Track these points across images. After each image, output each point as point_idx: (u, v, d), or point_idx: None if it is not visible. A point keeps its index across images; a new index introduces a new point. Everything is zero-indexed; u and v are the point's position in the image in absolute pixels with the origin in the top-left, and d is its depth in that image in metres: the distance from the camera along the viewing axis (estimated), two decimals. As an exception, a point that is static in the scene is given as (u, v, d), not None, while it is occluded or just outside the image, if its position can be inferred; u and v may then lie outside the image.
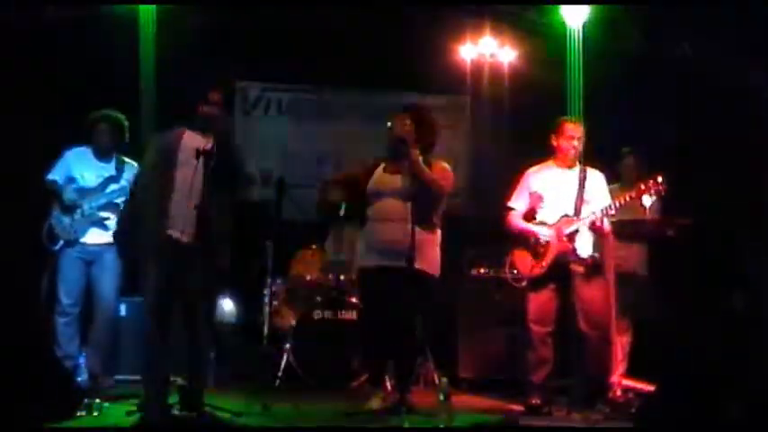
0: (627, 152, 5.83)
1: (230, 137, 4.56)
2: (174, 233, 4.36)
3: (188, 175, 4.35)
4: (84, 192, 5.41)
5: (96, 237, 5.41)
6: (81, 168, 5.46)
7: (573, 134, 5.08)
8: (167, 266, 4.35)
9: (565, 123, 5.13)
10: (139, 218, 4.48)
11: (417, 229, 4.63)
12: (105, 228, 5.41)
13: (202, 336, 4.53)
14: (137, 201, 4.57)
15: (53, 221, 5.39)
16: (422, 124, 4.90)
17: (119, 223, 4.97)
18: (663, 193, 4.85)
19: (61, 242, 5.37)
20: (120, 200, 5.44)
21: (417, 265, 4.63)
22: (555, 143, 5.11)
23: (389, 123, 4.93)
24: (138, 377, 5.27)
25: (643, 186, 4.85)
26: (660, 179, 4.80)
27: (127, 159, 5.56)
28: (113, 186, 5.44)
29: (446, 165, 4.97)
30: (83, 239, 5.39)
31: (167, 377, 4.49)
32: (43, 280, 5.49)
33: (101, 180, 5.45)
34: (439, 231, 4.91)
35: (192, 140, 4.47)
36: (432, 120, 5.01)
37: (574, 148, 5.06)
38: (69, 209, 5.38)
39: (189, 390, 4.49)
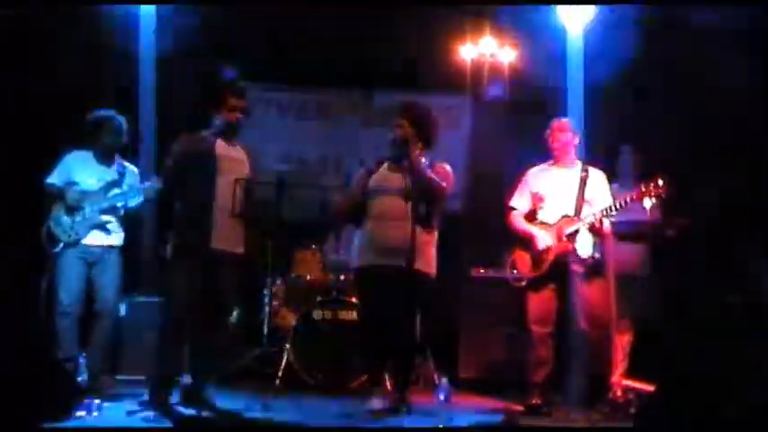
0: (626, 149, 5.83)
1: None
2: (213, 240, 4.41)
3: (223, 183, 4.50)
4: (85, 194, 5.39)
5: (97, 238, 5.40)
6: (82, 172, 5.43)
7: (559, 130, 5.13)
8: (201, 272, 4.41)
9: (552, 122, 5.20)
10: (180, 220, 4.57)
11: (417, 229, 4.64)
12: (107, 231, 5.40)
13: (219, 336, 4.57)
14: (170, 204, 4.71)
15: (52, 223, 5.36)
16: (421, 124, 4.90)
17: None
18: (663, 196, 4.85)
19: (61, 244, 5.35)
20: (121, 204, 5.44)
21: (416, 266, 4.64)
22: (548, 143, 5.18)
23: (392, 124, 4.93)
24: (138, 377, 5.30)
25: (643, 188, 4.85)
26: (660, 182, 4.80)
27: (127, 164, 5.55)
28: (115, 191, 5.42)
29: (447, 166, 4.97)
30: (85, 240, 5.37)
31: (174, 377, 4.52)
32: (43, 281, 5.48)
33: (102, 184, 5.42)
34: (436, 233, 4.91)
35: (221, 148, 4.66)
36: (431, 119, 5.01)
37: (560, 143, 5.12)
38: (72, 209, 5.36)
39: (193, 387, 4.50)
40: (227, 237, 4.52)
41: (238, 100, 4.75)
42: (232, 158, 4.72)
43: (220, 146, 4.71)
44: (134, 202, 5.47)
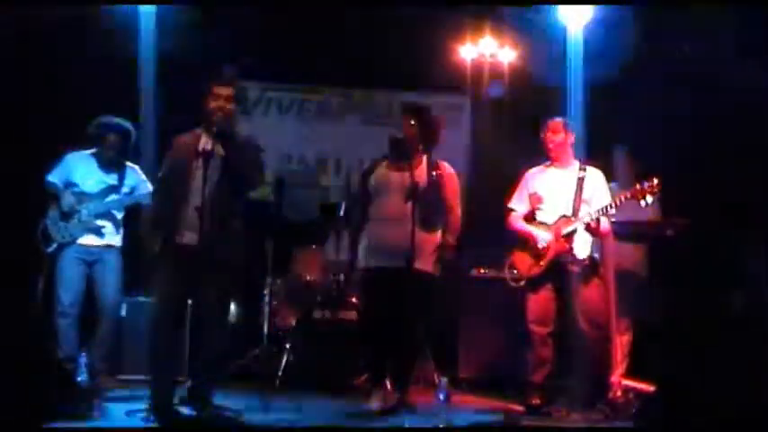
0: (619, 149, 5.82)
1: (234, 134, 4.52)
2: (185, 238, 4.35)
3: (208, 182, 4.32)
4: (83, 197, 5.39)
5: (95, 239, 5.40)
6: (82, 174, 5.43)
7: (552, 131, 5.13)
8: (178, 271, 4.35)
9: (545, 123, 5.17)
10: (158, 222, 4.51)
11: (418, 229, 4.63)
12: (101, 235, 5.40)
13: (216, 336, 4.53)
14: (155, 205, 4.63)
15: (48, 222, 5.37)
16: (426, 125, 4.90)
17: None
18: (658, 195, 4.85)
19: (55, 244, 5.35)
20: (117, 210, 5.43)
21: (417, 266, 4.63)
22: (544, 144, 5.16)
23: (397, 122, 4.94)
24: (139, 377, 5.29)
25: (639, 188, 4.85)
26: (656, 181, 4.80)
27: (129, 164, 5.53)
28: (114, 196, 5.42)
29: (451, 170, 4.96)
30: (81, 241, 5.37)
31: (175, 379, 4.50)
32: (39, 281, 5.47)
33: (102, 187, 5.43)
34: (439, 232, 4.90)
35: (207, 145, 4.40)
36: (435, 120, 5.01)
37: (555, 143, 5.11)
38: (67, 215, 5.36)
39: (197, 388, 4.49)
40: (197, 233, 4.29)
41: (223, 87, 4.46)
42: (220, 155, 4.42)
43: (206, 143, 4.42)
44: (146, 199, 5.41)
